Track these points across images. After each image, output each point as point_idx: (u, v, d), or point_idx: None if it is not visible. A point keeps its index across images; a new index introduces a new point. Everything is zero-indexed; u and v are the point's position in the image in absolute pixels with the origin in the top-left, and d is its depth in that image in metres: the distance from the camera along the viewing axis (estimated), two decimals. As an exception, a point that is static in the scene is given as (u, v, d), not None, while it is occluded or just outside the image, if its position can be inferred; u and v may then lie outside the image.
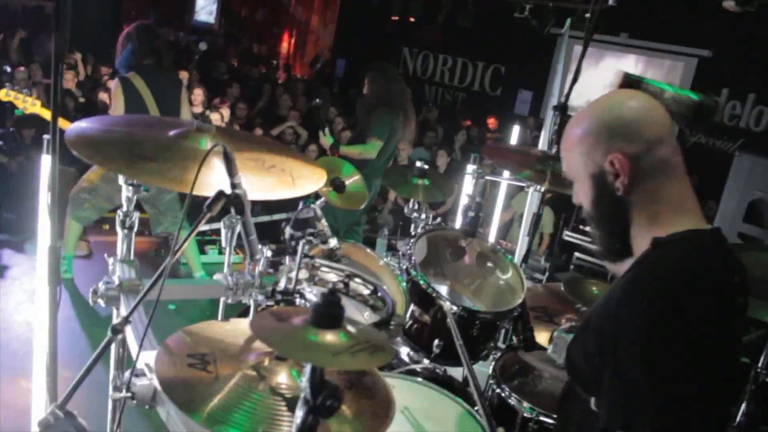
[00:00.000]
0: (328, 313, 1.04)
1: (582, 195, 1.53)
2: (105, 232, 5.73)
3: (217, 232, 1.92)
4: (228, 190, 1.51)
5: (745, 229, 4.28)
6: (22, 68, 7.22)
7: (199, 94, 7.21)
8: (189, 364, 1.40)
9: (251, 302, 2.18)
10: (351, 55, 13.00)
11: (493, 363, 2.52)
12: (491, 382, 2.45)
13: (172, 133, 1.87)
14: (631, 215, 1.46)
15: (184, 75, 7.94)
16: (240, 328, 1.58)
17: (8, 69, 7.03)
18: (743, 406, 2.79)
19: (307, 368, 1.00)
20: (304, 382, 1.02)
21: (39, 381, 2.63)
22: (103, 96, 6.82)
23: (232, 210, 1.52)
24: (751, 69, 7.57)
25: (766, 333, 2.93)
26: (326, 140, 5.10)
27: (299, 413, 1.03)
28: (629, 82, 1.96)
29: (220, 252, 5.70)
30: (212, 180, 1.65)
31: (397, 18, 11.92)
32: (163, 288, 1.55)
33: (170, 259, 1.49)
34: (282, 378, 1.37)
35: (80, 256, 5.31)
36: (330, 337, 1.04)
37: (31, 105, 4.05)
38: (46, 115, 4.10)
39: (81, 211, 4.71)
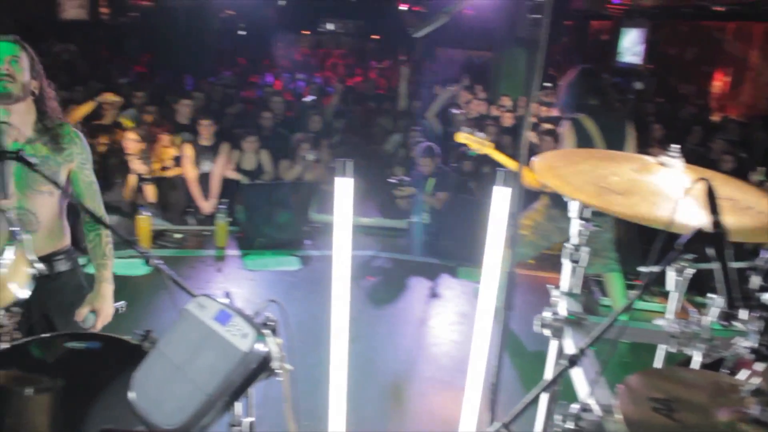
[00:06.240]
0: None
1: None
2: (529, 266, 5.90)
3: (638, 276, 1.81)
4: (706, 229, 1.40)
5: None
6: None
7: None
8: (653, 408, 1.34)
9: (694, 354, 2.01)
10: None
11: None
12: None
13: (632, 167, 1.84)
14: None
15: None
16: (702, 378, 1.47)
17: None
18: None
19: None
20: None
21: (471, 396, 2.83)
22: (530, 135, 7.13)
23: (708, 250, 1.41)
24: None
25: None
26: None
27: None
28: None
29: (641, 299, 5.47)
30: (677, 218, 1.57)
31: None
32: (615, 325, 1.51)
33: (634, 297, 1.45)
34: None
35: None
36: None
37: (484, 147, 4.42)
38: (497, 156, 4.45)
39: (518, 247, 4.94)
